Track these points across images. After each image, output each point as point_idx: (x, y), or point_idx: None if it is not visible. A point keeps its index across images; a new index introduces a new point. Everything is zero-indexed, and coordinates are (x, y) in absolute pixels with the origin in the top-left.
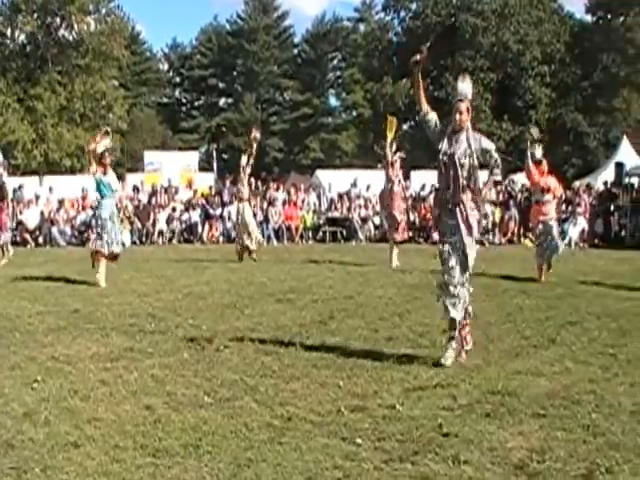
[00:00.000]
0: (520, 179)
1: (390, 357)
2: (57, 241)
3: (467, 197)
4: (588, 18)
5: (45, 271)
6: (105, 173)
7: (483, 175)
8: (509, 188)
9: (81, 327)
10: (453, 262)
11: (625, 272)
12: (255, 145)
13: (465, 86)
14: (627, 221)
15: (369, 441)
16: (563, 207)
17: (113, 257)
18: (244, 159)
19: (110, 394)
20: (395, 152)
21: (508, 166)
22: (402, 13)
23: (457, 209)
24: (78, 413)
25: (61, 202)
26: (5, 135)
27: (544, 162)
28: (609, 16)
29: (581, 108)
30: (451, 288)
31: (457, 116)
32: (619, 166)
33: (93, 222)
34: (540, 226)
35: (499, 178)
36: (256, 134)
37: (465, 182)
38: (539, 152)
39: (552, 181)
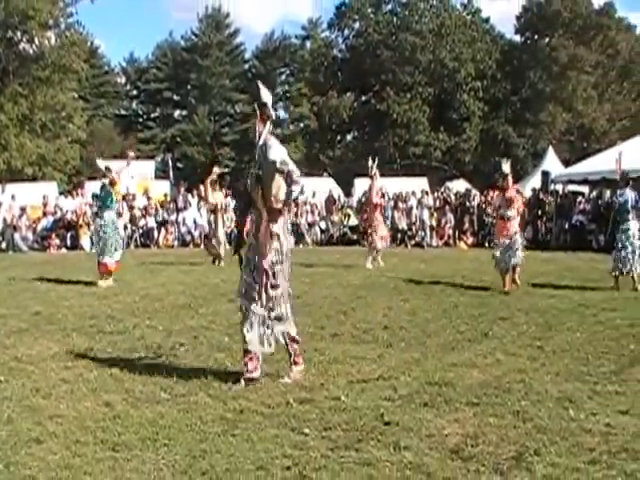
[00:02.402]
0: (455, 186)
1: (335, 352)
2: (19, 246)
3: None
4: (517, 38)
5: (7, 275)
6: (113, 185)
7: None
8: (444, 194)
9: (42, 329)
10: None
11: (551, 271)
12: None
13: (264, 92)
14: (553, 225)
15: (316, 431)
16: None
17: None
18: (215, 173)
19: (71, 392)
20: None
21: (444, 174)
22: (346, 31)
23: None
24: (40, 410)
25: (23, 209)
26: None
27: (509, 177)
28: (536, 37)
29: (511, 121)
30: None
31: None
32: (545, 174)
33: (100, 234)
34: (506, 241)
35: (292, 189)
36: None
37: (258, 197)
38: (507, 167)
39: (516, 196)
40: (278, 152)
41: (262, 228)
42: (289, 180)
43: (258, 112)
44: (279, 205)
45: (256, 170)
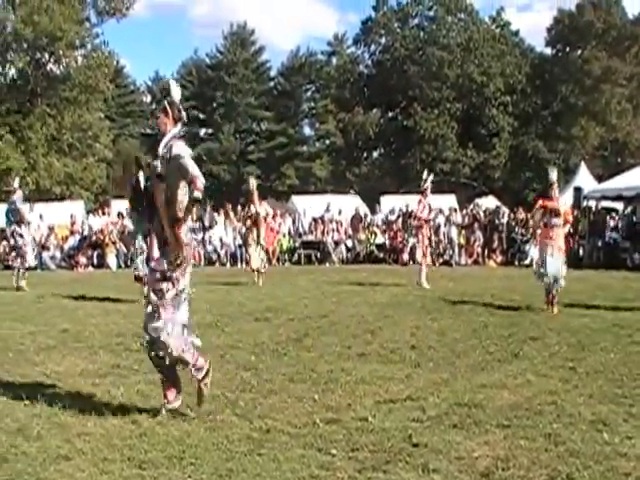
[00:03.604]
0: (484, 203)
1: (362, 372)
2: (48, 265)
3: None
4: (548, 51)
5: (36, 294)
6: None
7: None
8: (473, 212)
9: (70, 346)
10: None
11: (583, 290)
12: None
13: (174, 89)
14: (585, 242)
15: (343, 452)
16: (524, 230)
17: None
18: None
19: (98, 409)
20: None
21: (473, 191)
22: (372, 47)
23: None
24: (68, 427)
25: (51, 228)
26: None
27: (555, 186)
28: (567, 49)
29: (541, 136)
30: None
31: (155, 122)
32: (577, 190)
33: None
34: (548, 249)
35: (195, 196)
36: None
37: (161, 201)
38: (554, 175)
39: (562, 206)
40: (183, 150)
41: (167, 236)
42: (192, 186)
43: (169, 111)
44: (181, 214)
45: (160, 169)
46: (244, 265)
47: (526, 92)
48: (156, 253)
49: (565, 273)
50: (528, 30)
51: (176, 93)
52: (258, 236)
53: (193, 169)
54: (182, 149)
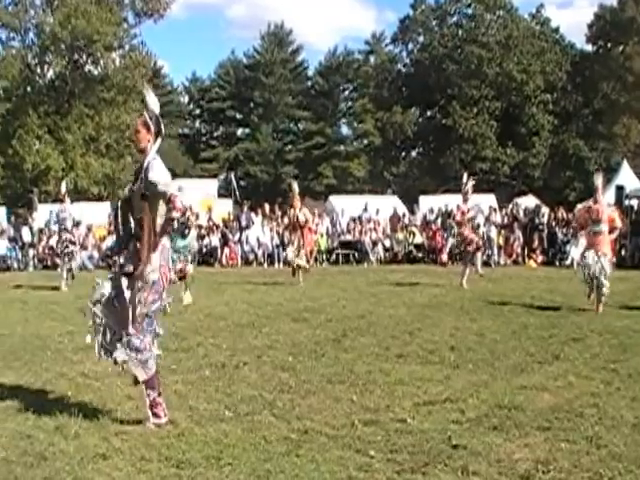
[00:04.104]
0: (524, 203)
1: (401, 373)
2: (86, 265)
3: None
4: (588, 48)
5: (74, 293)
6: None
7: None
8: (514, 211)
9: None
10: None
11: (625, 291)
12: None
13: (151, 98)
14: (627, 242)
15: (382, 453)
16: (564, 230)
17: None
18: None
19: (136, 408)
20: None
21: (512, 190)
22: (410, 45)
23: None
24: (106, 427)
25: (89, 228)
26: (38, 165)
27: (600, 190)
28: (609, 45)
29: (582, 134)
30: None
31: (133, 138)
32: (619, 189)
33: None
34: (591, 254)
35: (172, 216)
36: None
37: (136, 223)
38: (599, 180)
39: (613, 213)
40: (161, 174)
41: (142, 255)
42: (169, 205)
43: (151, 125)
44: (157, 236)
45: (142, 189)
46: (281, 265)
47: (566, 89)
48: (130, 269)
49: (609, 274)
50: (568, 27)
51: (154, 104)
52: (299, 240)
53: (171, 190)
54: (159, 174)
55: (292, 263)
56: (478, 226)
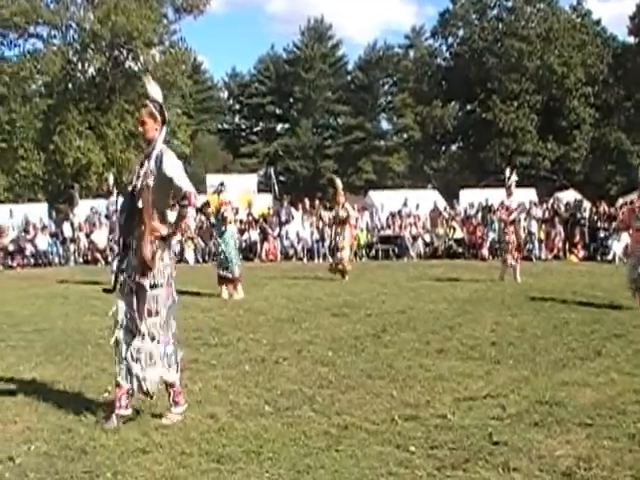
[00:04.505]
0: (565, 197)
1: (441, 368)
2: None
3: (143, 231)
4: (631, 40)
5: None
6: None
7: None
8: (555, 206)
9: None
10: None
11: None
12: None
13: (152, 87)
14: None
15: (422, 449)
16: (606, 224)
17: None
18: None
19: None
20: (509, 178)
21: (553, 185)
22: (450, 39)
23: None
24: (146, 421)
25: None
26: (79, 160)
27: None
28: None
29: (624, 127)
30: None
31: (139, 129)
32: None
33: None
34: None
35: (187, 212)
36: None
37: (139, 212)
38: None
39: None
40: (175, 168)
41: (145, 246)
42: (185, 202)
43: (157, 114)
44: (166, 230)
45: (148, 180)
46: (321, 260)
47: (608, 82)
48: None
49: None
50: (610, 19)
51: (156, 93)
52: (343, 237)
53: (187, 186)
54: (173, 167)
55: (343, 265)
56: (519, 221)
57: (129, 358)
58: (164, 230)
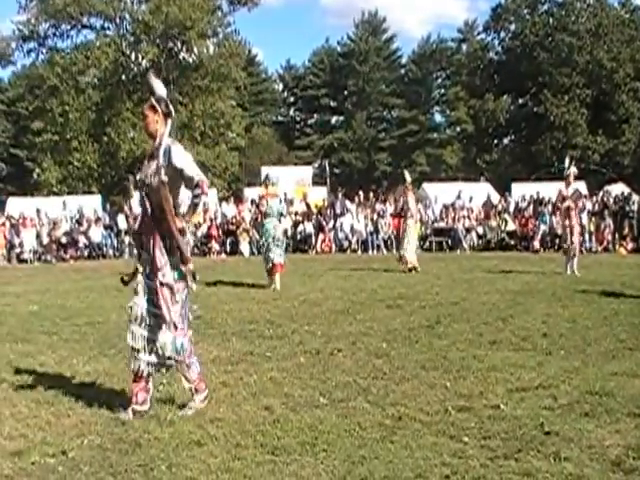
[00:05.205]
0: (614, 190)
1: (494, 359)
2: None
3: (162, 226)
4: None
5: None
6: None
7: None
8: (605, 199)
9: (203, 332)
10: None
11: None
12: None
13: (156, 84)
14: None
15: (475, 439)
16: None
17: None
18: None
19: (231, 395)
20: (568, 168)
21: (603, 178)
22: (502, 33)
23: (149, 241)
24: (201, 414)
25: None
26: (133, 152)
27: None
28: None
29: None
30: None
31: (142, 123)
32: None
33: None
34: None
35: (200, 200)
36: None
37: (157, 208)
38: None
39: None
40: (185, 158)
41: (158, 241)
42: (197, 191)
43: (158, 107)
44: (180, 222)
45: (161, 176)
46: (375, 252)
47: None
48: (160, 263)
49: None
50: None
51: (160, 88)
52: (407, 231)
53: (199, 175)
54: (182, 158)
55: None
56: (582, 211)
57: (149, 348)
58: (179, 223)
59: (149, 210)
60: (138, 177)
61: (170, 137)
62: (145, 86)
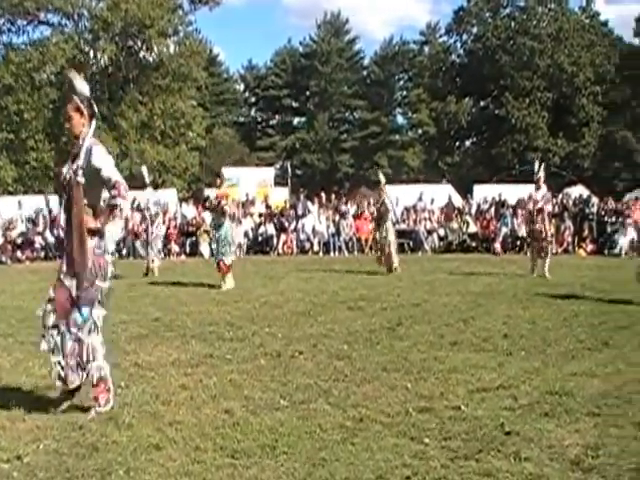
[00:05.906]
0: (574, 192)
1: (455, 361)
2: (139, 253)
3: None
4: (637, 41)
5: (127, 282)
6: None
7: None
8: (564, 201)
9: (162, 335)
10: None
11: None
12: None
13: (79, 82)
14: None
15: (436, 440)
16: (613, 219)
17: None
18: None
19: (191, 398)
20: (538, 171)
21: (563, 180)
22: (464, 36)
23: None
24: (160, 417)
25: (144, 216)
26: None
27: None
28: None
29: (630, 126)
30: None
31: (66, 125)
32: None
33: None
34: None
35: (116, 202)
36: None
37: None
38: None
39: None
40: (105, 159)
41: (77, 242)
42: (114, 192)
43: (83, 109)
44: (94, 223)
45: (78, 177)
46: (336, 254)
47: (615, 82)
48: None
49: None
50: (616, 21)
51: (83, 87)
52: (385, 232)
53: (116, 177)
54: (102, 158)
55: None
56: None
57: (74, 351)
58: (93, 224)
59: (69, 211)
60: (61, 178)
61: (92, 138)
62: (66, 84)
